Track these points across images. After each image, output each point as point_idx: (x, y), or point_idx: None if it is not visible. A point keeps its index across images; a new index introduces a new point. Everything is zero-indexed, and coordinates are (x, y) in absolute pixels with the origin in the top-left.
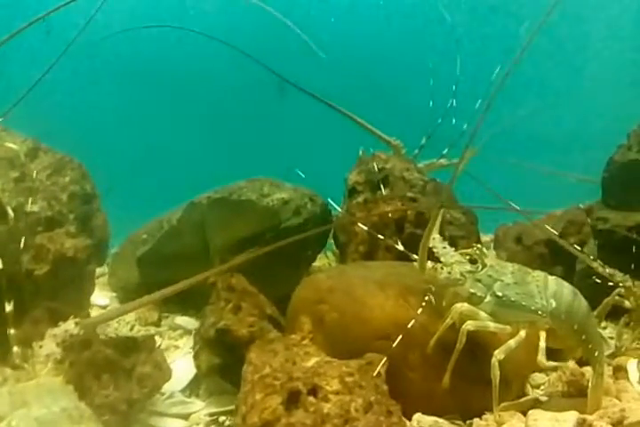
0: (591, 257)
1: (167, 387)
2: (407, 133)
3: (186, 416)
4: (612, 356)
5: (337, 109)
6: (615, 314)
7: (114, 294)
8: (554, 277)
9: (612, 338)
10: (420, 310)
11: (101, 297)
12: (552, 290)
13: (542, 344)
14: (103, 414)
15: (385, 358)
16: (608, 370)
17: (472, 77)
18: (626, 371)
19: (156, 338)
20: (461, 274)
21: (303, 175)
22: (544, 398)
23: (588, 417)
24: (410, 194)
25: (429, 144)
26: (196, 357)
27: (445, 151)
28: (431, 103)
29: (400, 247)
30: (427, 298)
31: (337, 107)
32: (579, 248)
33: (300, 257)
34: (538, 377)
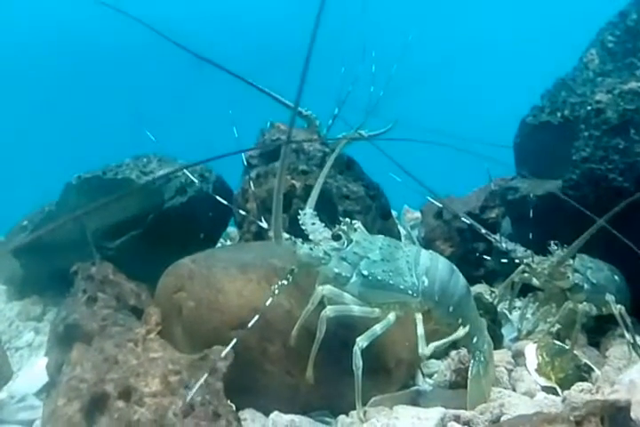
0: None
1: (20, 389)
2: (323, 103)
3: (30, 423)
4: (515, 340)
5: (246, 81)
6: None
7: (4, 287)
8: (429, 251)
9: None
10: (274, 294)
11: None
12: (424, 266)
13: (420, 331)
14: None
15: (229, 352)
16: (507, 356)
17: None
18: (525, 357)
19: (32, 334)
20: (325, 252)
21: (154, 139)
22: (428, 389)
23: (464, 413)
24: (303, 166)
25: (344, 115)
26: (47, 355)
27: (362, 122)
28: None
29: (263, 224)
30: (285, 280)
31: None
32: (468, 218)
33: (190, 241)
34: (434, 364)
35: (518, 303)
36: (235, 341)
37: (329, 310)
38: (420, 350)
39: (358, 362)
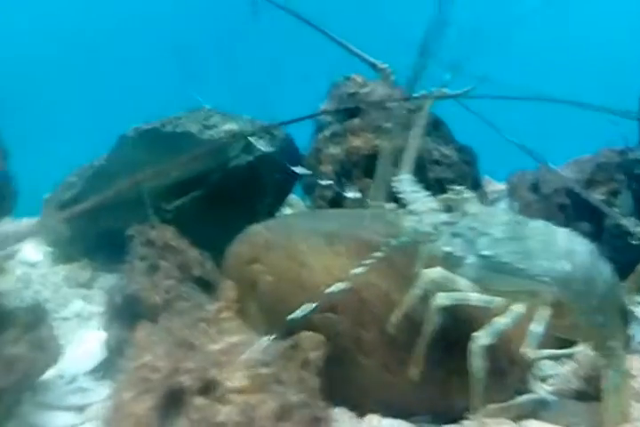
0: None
1: (69, 369)
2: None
3: (81, 409)
4: None
5: (316, 28)
6: None
7: (49, 249)
8: (564, 229)
9: None
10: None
11: (35, 253)
12: (563, 248)
13: (540, 328)
14: None
15: (321, 339)
16: None
17: None
18: None
19: (80, 303)
20: (434, 226)
21: (201, 100)
22: (551, 399)
23: None
24: (387, 124)
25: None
26: (106, 329)
27: (449, 77)
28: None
29: (350, 195)
30: (379, 253)
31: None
32: (597, 197)
33: (257, 205)
34: (547, 366)
35: (638, 298)
36: (305, 308)
37: (442, 298)
38: (522, 348)
39: (480, 363)
